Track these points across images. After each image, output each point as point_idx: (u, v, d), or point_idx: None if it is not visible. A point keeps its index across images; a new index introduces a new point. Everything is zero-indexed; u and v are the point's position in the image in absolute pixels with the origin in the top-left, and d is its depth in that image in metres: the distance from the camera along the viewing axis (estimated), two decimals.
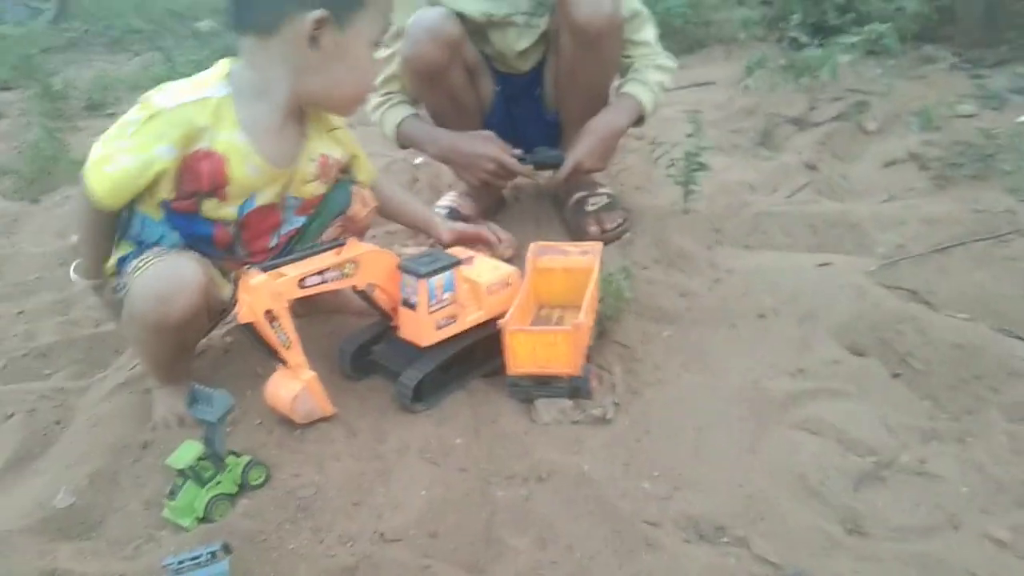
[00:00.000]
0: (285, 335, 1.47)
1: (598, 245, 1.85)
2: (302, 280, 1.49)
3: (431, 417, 1.59)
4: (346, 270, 1.55)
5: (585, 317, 1.60)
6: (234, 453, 1.43)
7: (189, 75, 1.61)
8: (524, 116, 2.27)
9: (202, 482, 1.35)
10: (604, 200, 2.24)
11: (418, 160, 2.90)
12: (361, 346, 1.71)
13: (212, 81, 1.55)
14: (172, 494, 1.36)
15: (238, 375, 1.77)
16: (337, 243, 1.56)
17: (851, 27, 3.02)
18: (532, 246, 1.86)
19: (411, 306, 1.61)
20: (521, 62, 2.19)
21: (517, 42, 2.13)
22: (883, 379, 1.62)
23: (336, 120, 1.76)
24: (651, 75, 2.15)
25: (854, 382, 1.60)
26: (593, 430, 1.54)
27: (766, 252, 2.07)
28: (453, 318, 1.64)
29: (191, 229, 1.60)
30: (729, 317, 1.82)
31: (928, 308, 1.77)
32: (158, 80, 4.13)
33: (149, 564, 1.27)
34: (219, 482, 1.37)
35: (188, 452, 1.36)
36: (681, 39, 2.34)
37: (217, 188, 1.56)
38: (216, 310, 1.68)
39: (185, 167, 1.52)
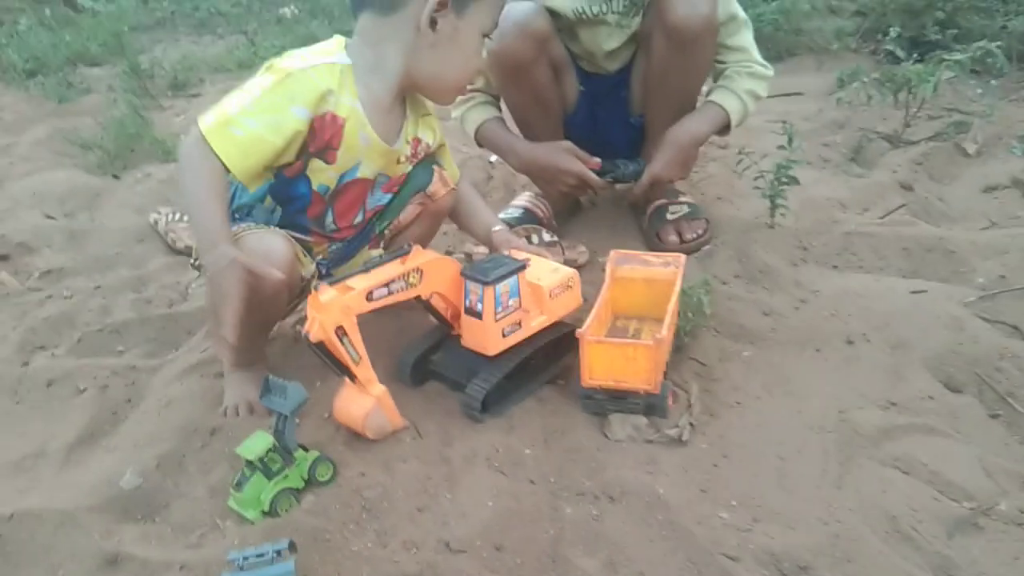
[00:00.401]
0: (355, 350, 1.42)
1: (681, 257, 1.78)
2: (369, 293, 1.44)
3: (499, 424, 1.55)
4: (411, 279, 1.51)
5: (666, 332, 1.54)
6: (302, 447, 1.41)
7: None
8: (607, 118, 2.21)
9: (270, 475, 1.34)
10: (685, 209, 2.17)
11: (493, 158, 2.86)
12: (421, 355, 1.66)
13: (334, 50, 1.58)
14: (239, 485, 1.35)
15: (308, 365, 1.75)
16: (402, 252, 1.51)
17: (951, 43, 2.88)
18: (612, 254, 1.80)
19: (476, 314, 1.56)
20: (610, 62, 2.13)
21: (607, 41, 2.07)
22: (981, 418, 1.52)
23: (429, 106, 1.76)
24: (742, 83, 2.07)
25: (950, 420, 1.51)
26: (668, 451, 1.47)
27: (856, 274, 1.97)
28: (518, 324, 1.59)
29: (289, 191, 1.61)
30: (815, 340, 1.74)
31: None
32: (241, 63, 4.23)
33: (212, 554, 1.25)
34: (286, 476, 1.35)
35: (259, 443, 1.35)
36: (770, 47, 2.25)
37: (330, 150, 1.57)
38: (296, 288, 1.67)
39: (312, 129, 1.53)
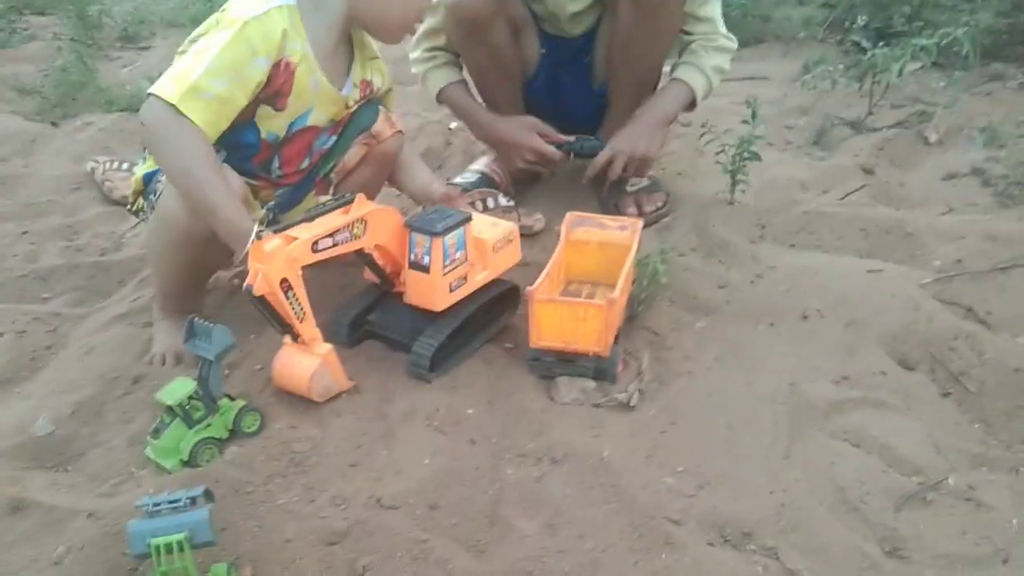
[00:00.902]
0: (300, 305, 1.32)
1: (638, 222, 1.73)
2: (315, 243, 1.34)
3: (442, 384, 1.48)
4: (355, 230, 1.41)
5: (619, 294, 1.48)
6: (228, 397, 1.32)
7: None
8: (570, 84, 2.15)
9: (191, 423, 1.25)
10: (645, 182, 2.12)
11: (453, 124, 2.79)
12: (357, 315, 1.57)
13: None
14: (156, 432, 1.26)
15: (245, 318, 1.66)
16: (345, 200, 1.42)
17: (917, 35, 2.88)
18: (568, 216, 1.74)
19: (423, 268, 1.48)
20: (573, 25, 2.06)
21: (571, 3, 2.00)
22: (933, 397, 1.50)
23: (375, 49, 1.71)
24: (708, 59, 2.02)
25: (901, 396, 1.48)
26: (615, 416, 1.43)
27: (813, 252, 1.94)
28: (464, 279, 1.52)
29: (236, 139, 1.52)
30: (769, 314, 1.70)
31: (985, 328, 1.64)
32: (195, 19, 4.06)
33: (125, 503, 1.17)
34: (209, 425, 1.27)
35: (180, 389, 1.26)
36: (738, 32, 2.21)
37: (280, 96, 1.50)
38: None
39: (270, 78, 1.46)
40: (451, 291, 1.49)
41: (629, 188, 2.12)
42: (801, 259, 1.89)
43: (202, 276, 1.63)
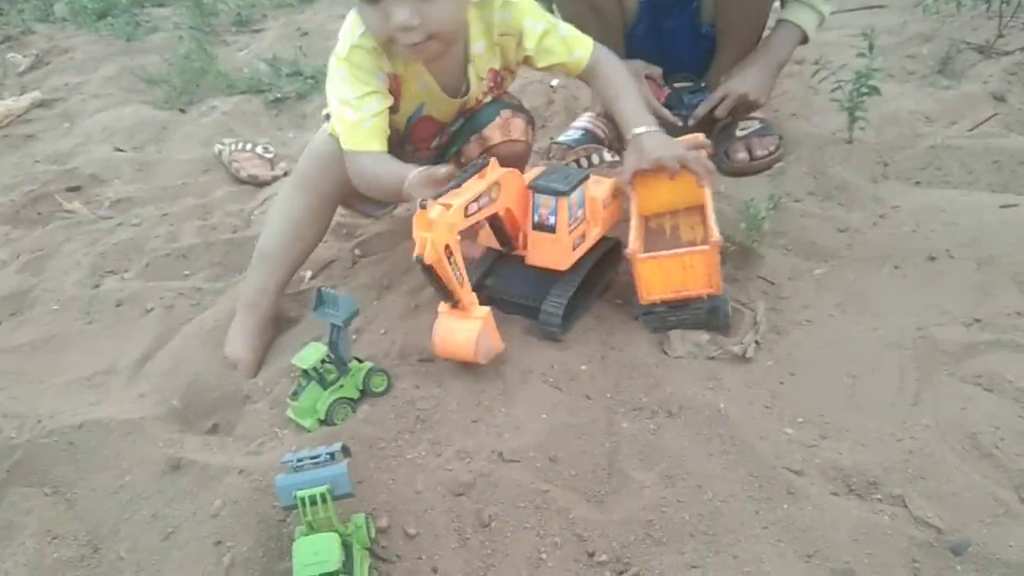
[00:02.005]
0: (459, 271, 1.33)
1: (701, 137, 1.62)
2: (466, 209, 1.34)
3: (555, 342, 1.51)
4: (492, 194, 1.42)
5: (715, 230, 1.43)
6: (357, 359, 1.40)
7: None
8: (676, 29, 2.08)
9: (325, 384, 1.34)
10: (755, 125, 2.05)
11: (555, 82, 2.78)
12: (475, 282, 1.54)
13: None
14: (295, 394, 1.36)
15: (367, 286, 1.75)
16: (479, 164, 1.41)
17: None
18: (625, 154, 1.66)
19: (549, 228, 1.49)
20: None
21: None
22: None
23: (507, 22, 1.61)
24: None
25: None
26: (731, 368, 1.42)
27: (941, 189, 1.83)
28: (583, 237, 1.54)
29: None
30: (894, 257, 1.63)
31: None
32: None
33: (270, 460, 1.27)
34: (341, 386, 1.35)
35: (313, 354, 1.35)
36: None
37: (393, 99, 1.59)
38: None
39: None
40: (574, 250, 1.51)
41: (739, 132, 2.06)
42: (927, 197, 1.79)
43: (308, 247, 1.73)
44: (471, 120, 1.75)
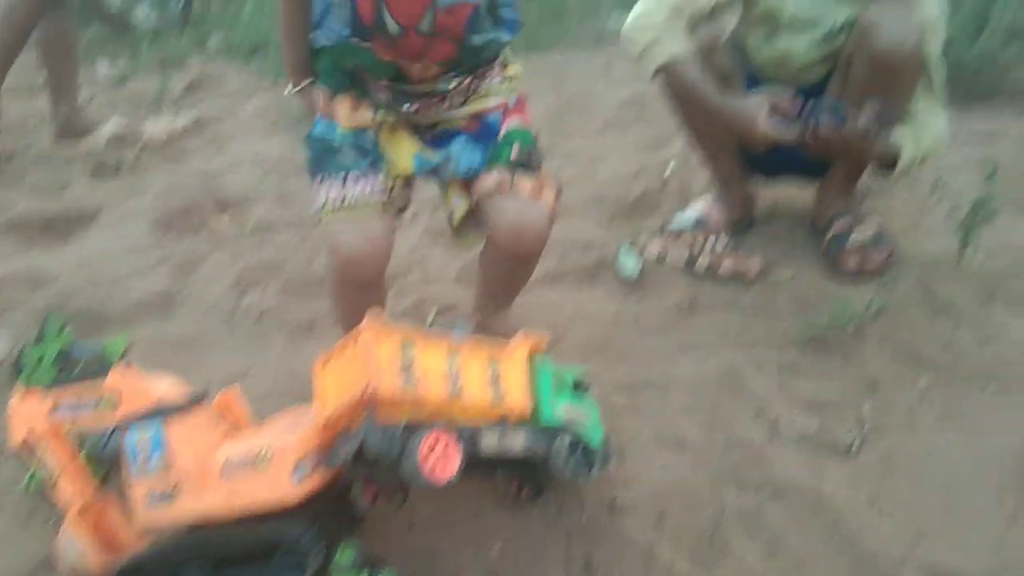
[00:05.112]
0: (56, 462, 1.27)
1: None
2: (54, 404, 1.27)
3: (665, 405, 1.61)
4: (104, 402, 1.26)
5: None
6: None
7: None
8: None
9: None
10: (870, 234, 2.14)
11: (670, 167, 2.90)
12: None
13: None
14: None
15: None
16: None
17: None
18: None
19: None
20: (802, 74, 2.09)
21: (803, 54, 2.04)
22: None
23: None
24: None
25: None
26: (836, 458, 1.49)
27: None
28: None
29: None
30: (998, 379, 1.69)
31: None
32: None
33: None
34: None
35: None
36: (971, 87, 2.17)
37: None
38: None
39: None
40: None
41: (853, 239, 2.14)
42: None
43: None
44: (448, 164, 1.56)
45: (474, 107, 1.58)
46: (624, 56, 2.16)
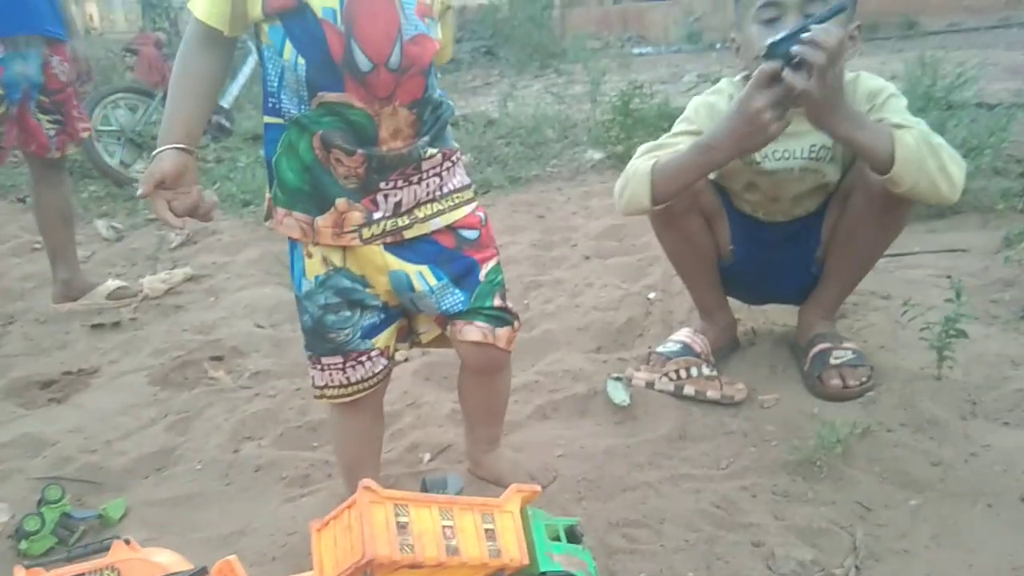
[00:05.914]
0: None
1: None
2: None
3: (665, 546, 1.62)
4: None
5: None
6: None
7: None
8: (784, 262, 2.29)
9: None
10: (849, 355, 2.21)
11: (652, 294, 3.01)
12: None
13: None
14: None
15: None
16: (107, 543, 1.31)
17: None
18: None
19: None
20: (794, 207, 2.21)
21: (795, 184, 2.14)
22: None
23: None
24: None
25: None
26: None
27: None
28: None
29: (300, 28, 1.34)
30: (986, 495, 1.71)
31: None
32: None
33: None
34: None
35: None
36: (934, 204, 2.30)
37: None
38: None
39: None
40: None
41: (833, 361, 2.21)
42: (1017, 438, 1.89)
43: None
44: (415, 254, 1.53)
45: (448, 217, 1.54)
46: (601, 188, 2.29)
